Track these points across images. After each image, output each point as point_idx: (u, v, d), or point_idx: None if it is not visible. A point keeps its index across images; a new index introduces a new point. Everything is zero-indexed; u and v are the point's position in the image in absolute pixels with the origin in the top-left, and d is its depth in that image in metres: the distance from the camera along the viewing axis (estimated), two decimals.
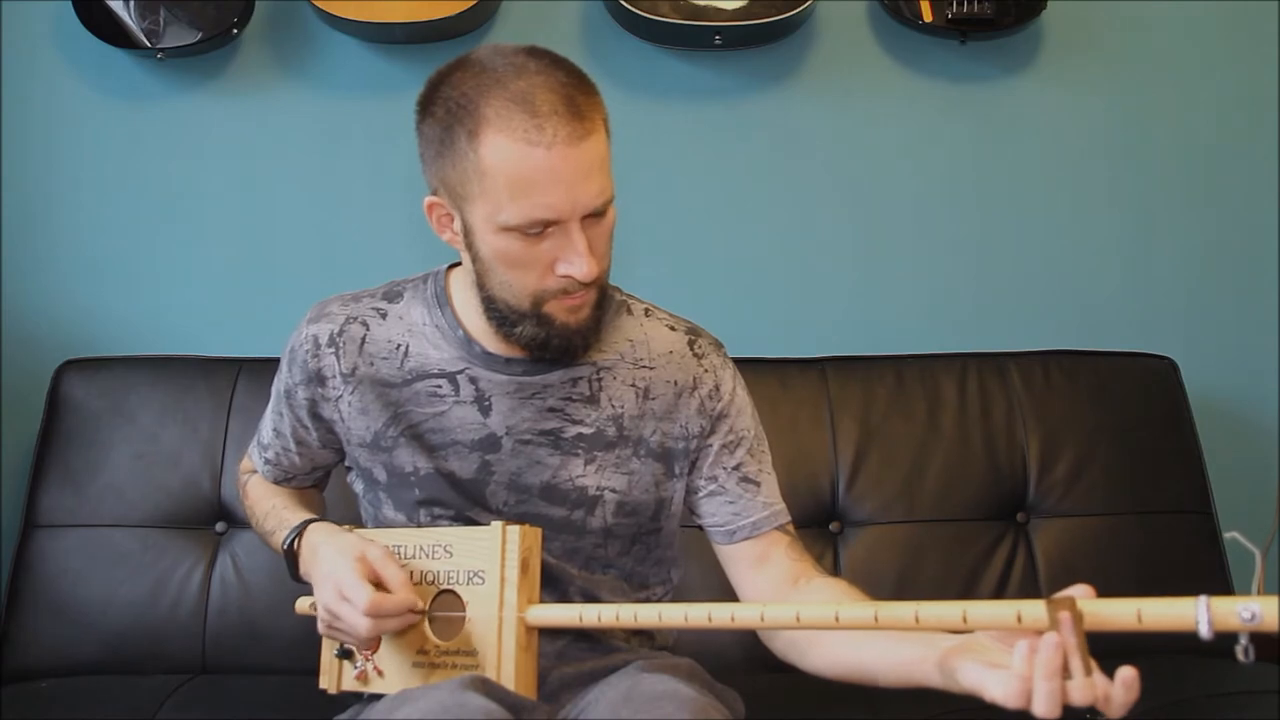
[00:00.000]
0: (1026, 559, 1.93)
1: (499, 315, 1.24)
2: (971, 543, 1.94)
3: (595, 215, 1.18)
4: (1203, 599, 0.83)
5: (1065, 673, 0.89)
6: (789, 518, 1.37)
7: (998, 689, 0.91)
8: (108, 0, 2.07)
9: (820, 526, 1.95)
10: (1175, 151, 2.26)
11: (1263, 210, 2.26)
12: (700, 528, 1.39)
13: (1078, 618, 0.88)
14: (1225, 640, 0.85)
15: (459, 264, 1.34)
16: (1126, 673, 0.88)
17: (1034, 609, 0.90)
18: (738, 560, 1.34)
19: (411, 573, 1.24)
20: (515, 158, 1.12)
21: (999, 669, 0.93)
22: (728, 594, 1.38)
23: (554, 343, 1.24)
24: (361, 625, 1.17)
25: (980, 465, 1.97)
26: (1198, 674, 1.71)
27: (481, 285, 1.23)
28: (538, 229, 1.15)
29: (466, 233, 1.21)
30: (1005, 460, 1.97)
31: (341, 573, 1.19)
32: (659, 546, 1.39)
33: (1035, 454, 1.98)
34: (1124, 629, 0.87)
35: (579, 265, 1.17)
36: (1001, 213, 2.26)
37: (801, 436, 1.97)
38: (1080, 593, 0.91)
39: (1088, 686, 0.88)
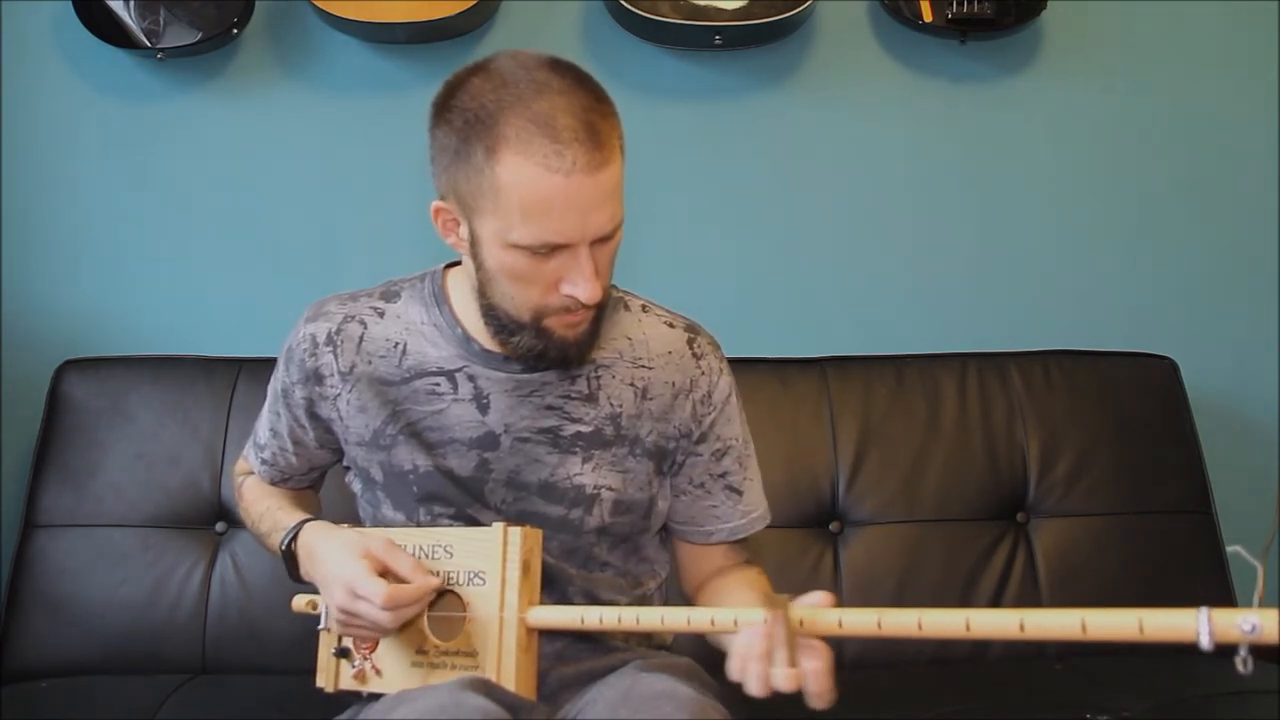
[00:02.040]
0: (1026, 559, 1.93)
1: (497, 323, 1.24)
2: (971, 543, 1.94)
3: (604, 239, 1.18)
4: (1204, 611, 0.84)
5: (773, 661, 1.03)
6: (766, 521, 1.43)
7: (729, 665, 1.07)
8: (108, 0, 2.07)
9: (820, 526, 1.95)
10: (1175, 151, 2.26)
11: (1263, 210, 2.26)
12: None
13: (784, 615, 1.03)
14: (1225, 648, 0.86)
15: (456, 263, 1.34)
16: (810, 664, 1.03)
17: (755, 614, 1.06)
18: (689, 549, 1.43)
19: (408, 552, 1.25)
20: (532, 181, 1.12)
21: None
22: None
23: (551, 354, 1.24)
24: (383, 619, 1.17)
25: (980, 465, 1.97)
26: (1198, 674, 1.72)
27: (483, 293, 1.23)
28: (546, 250, 1.15)
29: (473, 242, 1.20)
30: (1005, 460, 1.97)
31: (350, 571, 1.19)
32: (647, 546, 1.41)
33: (1035, 454, 1.98)
34: (1126, 639, 0.89)
35: (584, 289, 1.17)
36: (1001, 212, 2.26)
37: (801, 436, 1.97)
38: (816, 599, 1.06)
39: (791, 676, 1.03)
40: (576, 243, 1.15)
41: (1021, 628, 0.93)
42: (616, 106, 1.19)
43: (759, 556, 1.45)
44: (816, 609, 1.05)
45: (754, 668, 1.04)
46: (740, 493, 1.39)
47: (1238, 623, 0.83)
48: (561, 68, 1.17)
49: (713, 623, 1.13)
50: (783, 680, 1.03)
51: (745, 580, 1.36)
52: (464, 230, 1.21)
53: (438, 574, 1.24)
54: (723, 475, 1.38)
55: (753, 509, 1.40)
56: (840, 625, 1.04)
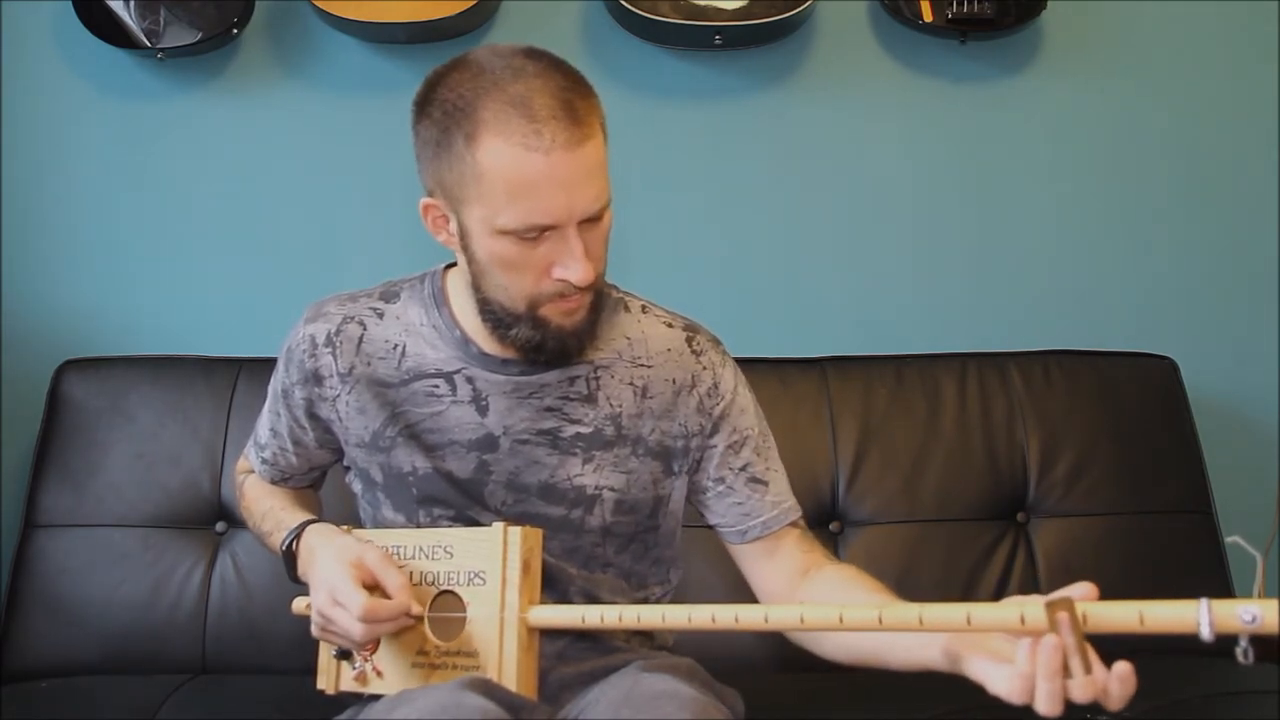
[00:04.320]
0: (1026, 559, 1.93)
1: (494, 317, 1.24)
2: (971, 543, 1.94)
3: (592, 219, 1.18)
4: (1204, 602, 0.84)
5: (1066, 672, 0.91)
6: (799, 512, 1.38)
7: (1001, 685, 0.95)
8: (108, 0, 2.07)
9: (820, 526, 1.95)
10: (1175, 151, 2.26)
11: (1263, 210, 2.26)
12: (709, 527, 1.40)
13: (1075, 619, 0.90)
14: (1225, 641, 0.86)
15: (456, 264, 1.34)
16: (1122, 667, 0.91)
17: (1035, 611, 0.92)
18: (749, 555, 1.37)
19: (411, 573, 1.24)
20: (513, 162, 1.12)
21: (1003, 664, 0.96)
22: (729, 594, 1.39)
23: (549, 345, 1.24)
24: (355, 630, 1.17)
25: (980, 465, 1.97)
26: (1198, 674, 1.71)
27: (477, 287, 1.23)
28: (534, 233, 1.15)
29: (462, 235, 1.20)
30: (1005, 460, 1.97)
31: (335, 578, 1.19)
32: (656, 546, 1.39)
33: (1035, 454, 1.98)
34: (1126, 631, 0.89)
35: (575, 270, 1.17)
36: (1001, 212, 2.26)
37: (801, 436, 1.97)
38: (1080, 592, 0.93)
39: (1088, 684, 0.91)
40: (563, 223, 1.15)
41: (1022, 621, 0.92)
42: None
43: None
44: (1094, 603, 0.93)
45: (1047, 686, 0.92)
46: (765, 483, 1.36)
47: (1238, 613, 0.82)
48: (536, 54, 1.17)
49: (714, 619, 1.12)
50: (1082, 691, 0.92)
51: (850, 577, 1.30)
52: (453, 225, 1.21)
53: (436, 576, 1.24)
54: (744, 468, 1.36)
55: (782, 499, 1.37)
56: (1142, 622, 0.90)
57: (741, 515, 1.36)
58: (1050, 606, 0.91)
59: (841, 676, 1.83)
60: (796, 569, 1.33)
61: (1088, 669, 0.91)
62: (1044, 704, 0.93)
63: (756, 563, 1.37)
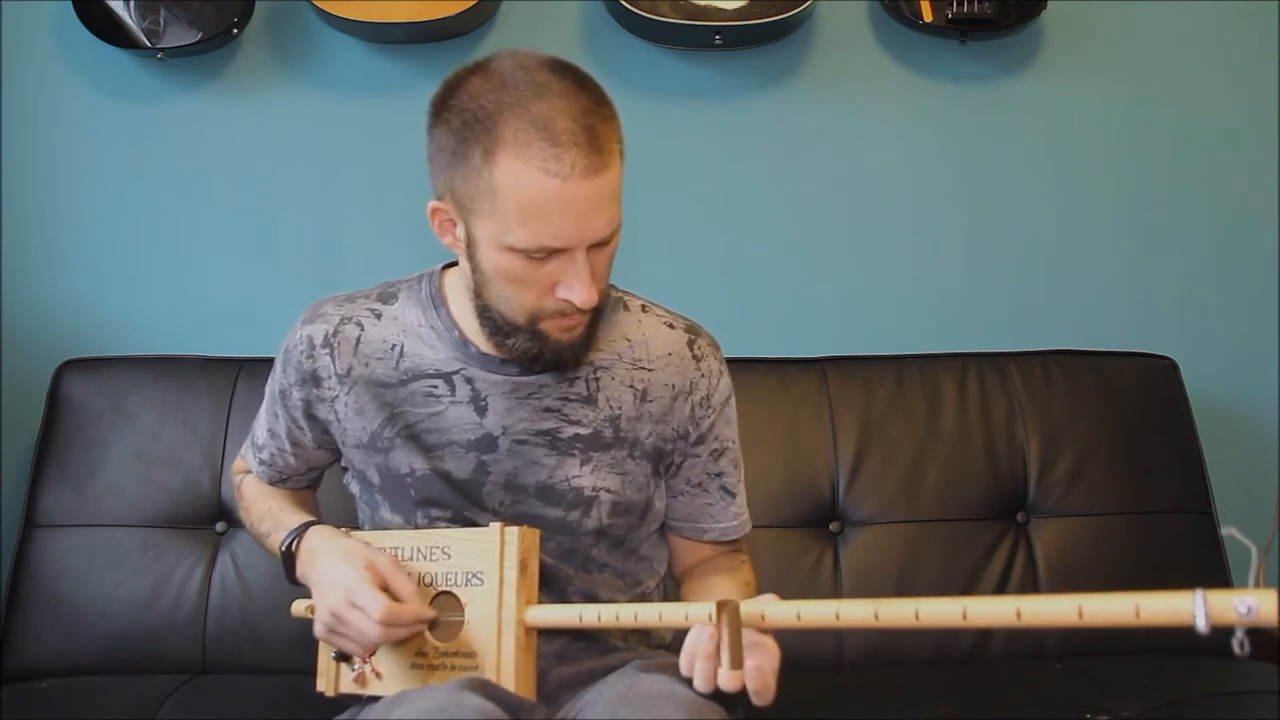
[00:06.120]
0: (1026, 559, 1.93)
1: (493, 324, 1.24)
2: (971, 543, 1.94)
3: (601, 243, 1.18)
4: (1199, 593, 0.84)
5: (719, 660, 1.06)
6: (748, 528, 1.44)
7: (680, 659, 1.11)
8: (108, 0, 2.07)
9: (820, 526, 1.95)
10: (1175, 151, 2.26)
11: (1263, 210, 2.26)
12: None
13: (731, 618, 1.06)
14: (1224, 639, 0.86)
15: (453, 264, 1.34)
16: (752, 662, 1.07)
17: (709, 609, 1.09)
18: (682, 546, 1.44)
19: (410, 575, 1.25)
20: (530, 185, 1.11)
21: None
22: None
23: (546, 357, 1.24)
24: (372, 632, 1.17)
25: (980, 465, 1.97)
26: (1197, 674, 1.71)
27: (478, 295, 1.23)
28: (543, 254, 1.15)
29: (469, 243, 1.20)
30: (1005, 460, 1.97)
31: (351, 579, 1.19)
32: (643, 546, 1.41)
33: (1035, 454, 1.97)
34: (1122, 624, 0.89)
35: (580, 293, 1.17)
36: (1001, 213, 2.26)
37: (801, 436, 1.97)
38: (765, 598, 1.09)
39: (732, 677, 1.06)
40: (573, 247, 1.15)
41: (1018, 615, 0.92)
42: (617, 108, 1.18)
43: (744, 548, 1.47)
44: (765, 601, 1.08)
45: (700, 666, 1.08)
46: (733, 495, 1.41)
47: (1234, 604, 0.82)
48: (562, 69, 1.16)
49: (710, 617, 1.12)
50: (725, 680, 1.06)
51: (728, 570, 1.39)
52: (460, 231, 1.21)
53: (435, 577, 1.24)
54: (719, 475, 1.39)
55: (743, 512, 1.43)
56: (799, 618, 1.06)
57: (708, 516, 1.40)
58: (720, 605, 1.07)
59: (842, 677, 1.84)
60: (699, 571, 1.43)
61: (735, 664, 1.06)
62: (698, 680, 1.08)
63: (683, 554, 1.45)
